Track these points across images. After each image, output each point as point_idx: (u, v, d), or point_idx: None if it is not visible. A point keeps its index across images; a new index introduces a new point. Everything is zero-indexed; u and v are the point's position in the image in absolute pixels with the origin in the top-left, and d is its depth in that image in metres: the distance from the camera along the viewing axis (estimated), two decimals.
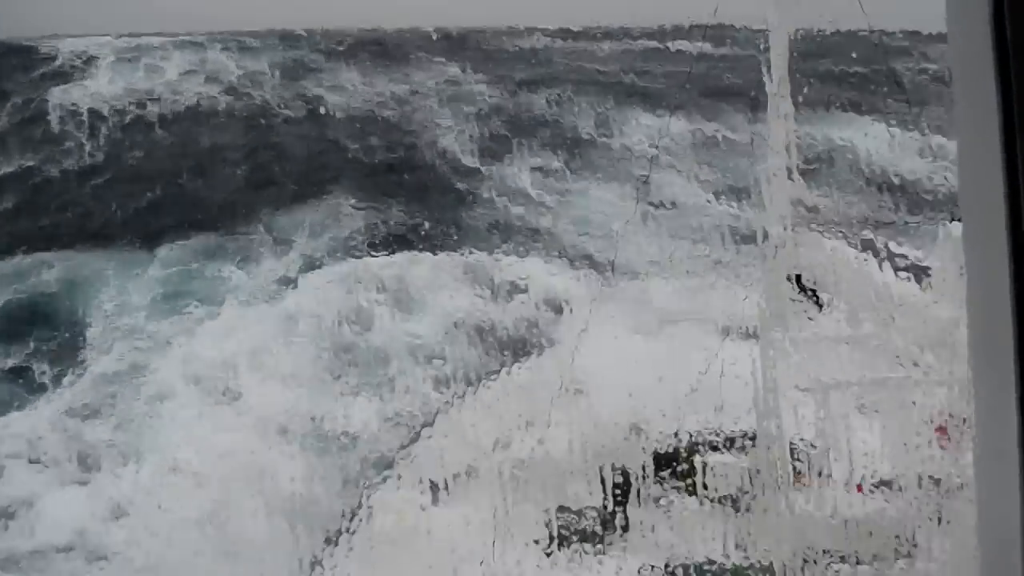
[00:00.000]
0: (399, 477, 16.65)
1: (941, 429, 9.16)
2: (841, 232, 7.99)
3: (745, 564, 10.17)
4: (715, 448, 15.00)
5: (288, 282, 25.90)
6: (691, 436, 16.81)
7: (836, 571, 5.22)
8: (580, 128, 47.42)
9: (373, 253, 28.31)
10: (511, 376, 22.69)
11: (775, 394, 11.72)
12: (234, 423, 17.82)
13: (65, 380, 20.20)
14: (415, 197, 37.75)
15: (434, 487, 17.05)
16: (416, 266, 24.15)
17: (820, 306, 9.13)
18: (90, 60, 64.49)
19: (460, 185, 40.21)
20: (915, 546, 5.55)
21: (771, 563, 9.55)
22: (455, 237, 31.78)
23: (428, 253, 28.07)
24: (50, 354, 21.90)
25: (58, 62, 63.12)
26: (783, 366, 9.27)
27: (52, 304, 25.46)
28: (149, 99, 54.79)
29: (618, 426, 20.32)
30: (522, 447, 17.35)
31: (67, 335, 23.28)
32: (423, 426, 19.26)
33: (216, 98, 56.46)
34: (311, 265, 27.64)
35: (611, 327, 26.31)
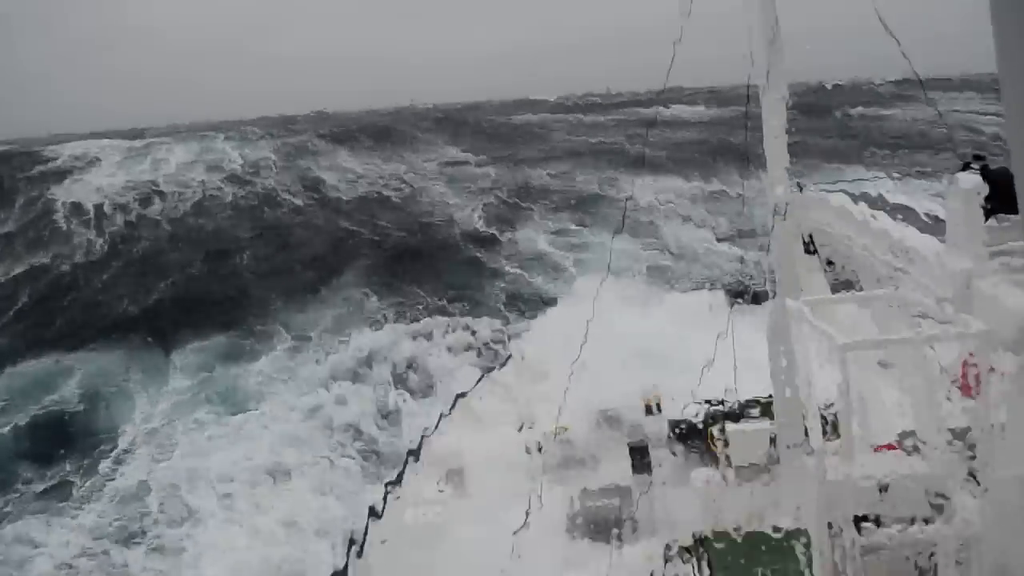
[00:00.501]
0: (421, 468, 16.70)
1: (963, 381, 9.03)
2: (845, 190, 7.86)
3: (775, 533, 10.12)
4: (735, 417, 14.93)
5: (310, 386, 25.08)
6: (710, 406, 16.77)
7: (871, 532, 5.13)
8: (586, 190, 47.77)
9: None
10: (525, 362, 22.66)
11: (791, 358, 11.61)
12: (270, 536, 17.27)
13: (94, 500, 19.77)
14: (431, 275, 37.46)
15: (455, 476, 17.08)
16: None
17: (831, 264, 9.01)
18: (93, 160, 64.57)
19: (479, 254, 39.65)
20: (947, 501, 5.46)
21: (801, 529, 9.48)
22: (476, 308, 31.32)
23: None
24: (80, 473, 21.37)
25: (59, 162, 63.35)
26: (797, 330, 9.15)
27: (78, 421, 24.81)
28: (154, 191, 54.67)
29: (634, 403, 20.26)
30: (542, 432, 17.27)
31: (94, 453, 22.60)
32: (441, 416, 19.28)
33: (221, 188, 56.38)
34: (334, 369, 26.55)
35: (621, 301, 26.30)
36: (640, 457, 15.59)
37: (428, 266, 37.63)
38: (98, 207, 49.89)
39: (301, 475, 19.28)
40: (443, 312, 31.64)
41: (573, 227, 41.39)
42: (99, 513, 18.95)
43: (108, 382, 26.88)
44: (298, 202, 51.03)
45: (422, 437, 18.32)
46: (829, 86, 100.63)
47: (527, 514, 11.28)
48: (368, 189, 54.49)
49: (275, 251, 42.16)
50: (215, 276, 38.69)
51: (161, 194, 54.02)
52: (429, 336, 28.85)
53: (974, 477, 5.42)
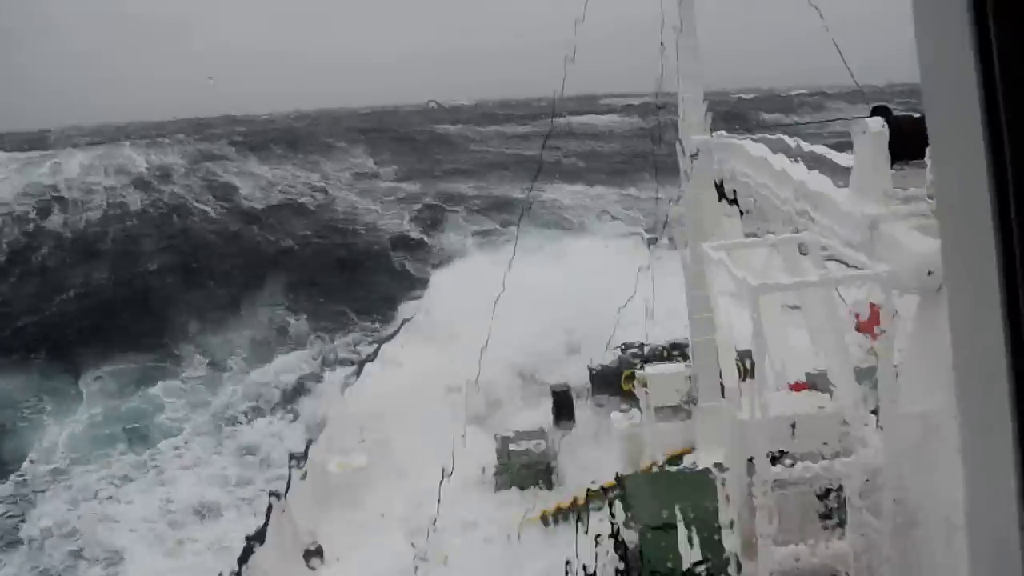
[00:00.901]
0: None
1: (866, 322, 9.40)
2: (758, 136, 8.00)
3: (692, 470, 10.45)
4: (651, 360, 15.28)
5: (229, 421, 22.57)
6: (625, 349, 17.10)
7: (781, 469, 5.34)
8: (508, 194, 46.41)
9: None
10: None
11: (705, 302, 11.89)
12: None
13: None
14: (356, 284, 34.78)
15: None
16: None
17: (742, 212, 9.19)
18: None
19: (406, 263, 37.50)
20: (851, 437, 5.70)
21: (717, 466, 9.81)
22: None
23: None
24: None
25: None
26: (712, 273, 9.34)
27: None
28: (54, 196, 50.52)
29: (554, 345, 20.49)
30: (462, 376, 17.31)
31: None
32: (365, 360, 19.23)
33: (126, 195, 52.46)
34: (250, 397, 23.95)
35: (538, 251, 26.40)
36: (562, 402, 15.87)
37: (351, 279, 35.32)
38: None
39: (233, 510, 17.75)
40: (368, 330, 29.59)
41: (499, 227, 40.32)
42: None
43: (9, 408, 24.46)
44: (210, 210, 48.33)
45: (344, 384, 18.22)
46: (748, 96, 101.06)
47: (452, 458, 11.40)
48: (282, 197, 52.29)
49: (187, 262, 39.21)
50: (123, 290, 35.99)
51: (62, 201, 50.76)
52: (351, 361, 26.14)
53: (876, 415, 5.68)
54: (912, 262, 4.72)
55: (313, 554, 12.94)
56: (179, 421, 22.96)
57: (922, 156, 5.08)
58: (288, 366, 26.20)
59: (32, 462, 21.24)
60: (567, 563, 8.29)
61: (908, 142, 5.03)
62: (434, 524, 11.48)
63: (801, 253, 6.64)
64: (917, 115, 5.27)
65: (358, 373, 18.83)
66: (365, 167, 63.03)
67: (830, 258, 6.01)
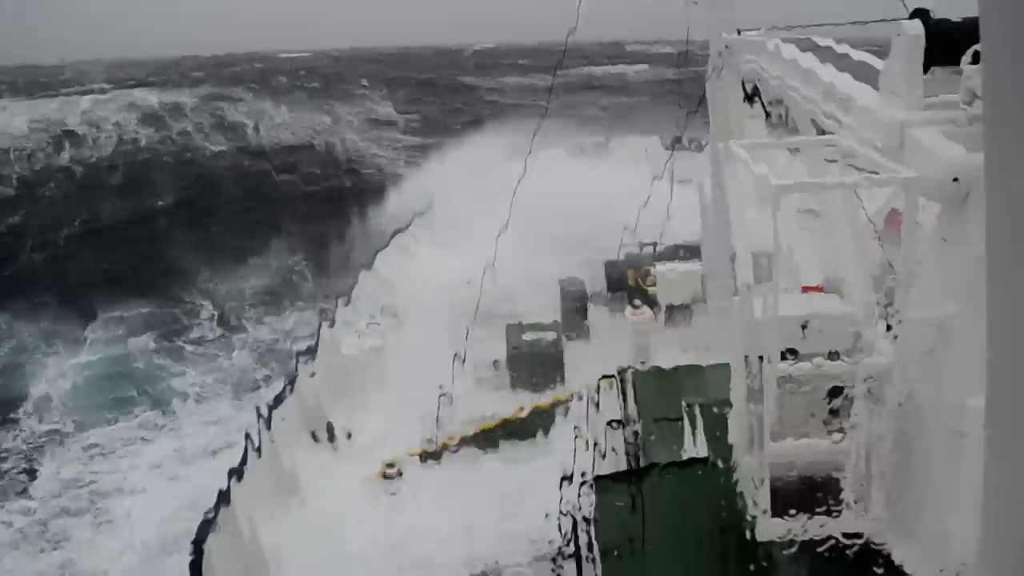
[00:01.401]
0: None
1: (888, 222, 9.41)
2: (789, 35, 7.84)
3: (700, 366, 10.66)
4: (665, 258, 15.36)
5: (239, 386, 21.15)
6: (642, 248, 17.15)
7: (790, 365, 5.47)
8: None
9: None
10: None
11: (723, 202, 11.86)
12: None
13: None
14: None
15: (391, 313, 17.35)
16: None
17: (767, 115, 9.10)
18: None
19: None
20: (861, 339, 5.83)
21: (725, 364, 10.00)
22: None
23: None
24: None
25: None
26: (731, 174, 9.31)
27: None
28: (64, 133, 48.45)
29: (570, 241, 20.54)
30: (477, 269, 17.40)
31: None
32: (376, 252, 19.34)
33: (138, 132, 50.18)
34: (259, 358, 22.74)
35: (558, 147, 26.20)
36: (574, 298, 16.03)
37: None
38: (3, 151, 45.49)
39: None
40: None
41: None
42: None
43: (22, 361, 23.50)
44: (217, 149, 46.66)
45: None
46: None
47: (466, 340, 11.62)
48: (294, 139, 50.25)
49: (199, 203, 37.88)
50: (133, 231, 34.66)
51: (73, 136, 49.46)
52: None
53: (888, 319, 5.77)
54: (939, 169, 4.72)
55: (324, 433, 13.34)
56: (190, 374, 22.36)
57: (957, 62, 5.01)
58: (301, 320, 25.48)
59: (30, 413, 20.61)
60: (575, 427, 8.56)
61: (945, 47, 4.95)
62: (446, 396, 11.77)
63: (825, 159, 6.62)
64: (957, 19, 5.17)
65: (369, 265, 18.88)
66: (383, 114, 61.37)
67: (854, 165, 5.99)
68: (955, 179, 4.67)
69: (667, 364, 13.02)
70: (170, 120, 54.97)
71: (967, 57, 4.85)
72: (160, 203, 38.81)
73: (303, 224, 33.88)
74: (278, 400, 12.97)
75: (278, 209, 36.46)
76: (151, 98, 64.49)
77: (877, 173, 5.32)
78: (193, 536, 9.64)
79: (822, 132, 6.80)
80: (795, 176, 6.35)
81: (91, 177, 43.25)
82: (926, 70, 5.13)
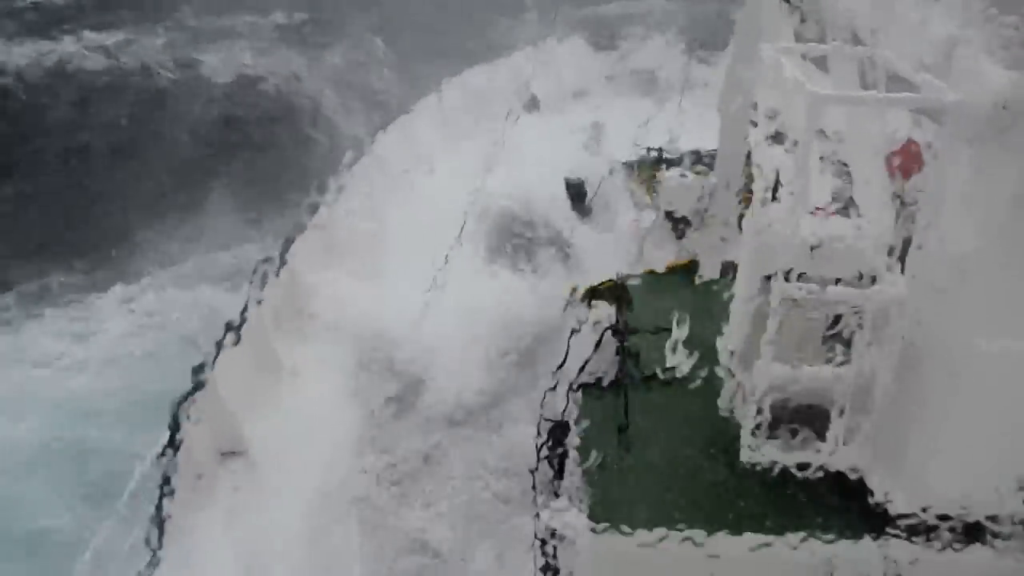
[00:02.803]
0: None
1: (901, 159, 9.03)
2: None
3: (698, 278, 10.45)
4: (673, 164, 14.95)
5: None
6: (649, 151, 16.73)
7: (799, 287, 5.25)
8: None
9: None
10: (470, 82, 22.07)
11: (742, 111, 11.40)
12: None
13: None
14: None
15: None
16: None
17: (802, 19, 8.59)
18: None
19: None
20: (875, 268, 5.58)
21: (722, 279, 9.78)
22: None
23: None
24: None
25: None
26: (753, 79, 8.84)
27: None
28: None
29: (577, 131, 20.07)
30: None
31: None
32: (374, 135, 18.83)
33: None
34: None
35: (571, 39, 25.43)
36: (577, 193, 15.78)
37: None
38: None
39: None
40: None
41: None
42: None
43: None
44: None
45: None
46: None
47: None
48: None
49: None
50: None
51: None
52: None
53: (903, 251, 5.52)
54: (987, 93, 4.38)
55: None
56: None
57: None
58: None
59: None
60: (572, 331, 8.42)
61: None
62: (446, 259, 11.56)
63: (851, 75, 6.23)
64: None
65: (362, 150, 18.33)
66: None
67: (894, 79, 5.62)
68: (1004, 107, 4.34)
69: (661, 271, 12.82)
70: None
71: None
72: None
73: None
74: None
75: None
76: None
77: (917, 92, 4.98)
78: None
79: (857, 41, 6.39)
80: (822, 87, 5.97)
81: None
82: None
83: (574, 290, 12.42)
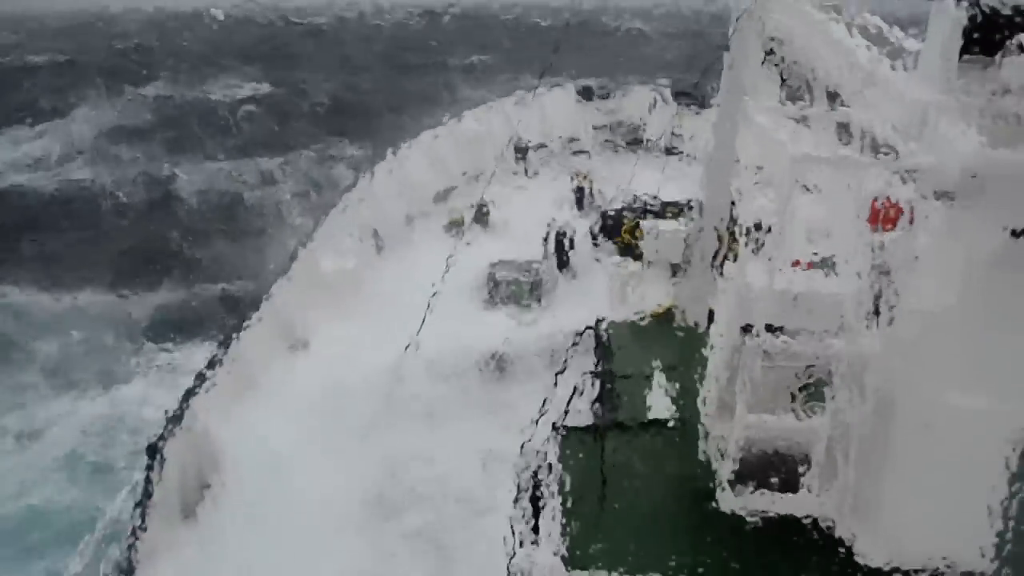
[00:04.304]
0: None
1: (880, 214, 9.23)
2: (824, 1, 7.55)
3: (679, 325, 10.59)
4: (659, 215, 15.17)
5: None
6: (635, 200, 16.97)
7: (777, 339, 5.37)
8: None
9: None
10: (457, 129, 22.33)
11: (725, 163, 11.64)
12: None
13: None
14: None
15: (375, 233, 17.12)
16: None
17: (783, 79, 8.84)
18: None
19: None
20: (849, 323, 5.72)
21: (700, 326, 9.91)
22: None
23: None
24: None
25: None
26: (740, 136, 9.06)
27: None
28: None
29: (562, 189, 20.36)
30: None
31: None
32: (363, 174, 19.00)
33: None
34: None
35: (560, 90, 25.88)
36: (560, 243, 15.84)
37: None
38: None
39: None
40: None
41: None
42: None
43: None
44: None
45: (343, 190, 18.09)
46: None
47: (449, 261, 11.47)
48: None
49: None
50: None
51: None
52: None
53: (877, 305, 5.66)
54: (958, 159, 4.56)
55: (298, 345, 13.19)
56: None
57: (990, 52, 4.81)
58: None
59: None
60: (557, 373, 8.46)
61: (989, 34, 4.74)
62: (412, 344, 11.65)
63: (830, 132, 6.42)
64: (1001, 8, 4.94)
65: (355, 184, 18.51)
66: None
67: (871, 138, 5.81)
68: (973, 175, 4.52)
69: (644, 317, 12.91)
70: None
71: (1005, 50, 4.66)
72: None
73: None
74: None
75: None
76: None
77: (891, 154, 5.16)
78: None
79: (838, 102, 6.60)
80: (804, 146, 6.17)
81: None
82: (962, 56, 4.92)
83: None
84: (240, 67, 67.56)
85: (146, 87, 59.21)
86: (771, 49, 9.00)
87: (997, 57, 4.76)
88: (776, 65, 8.87)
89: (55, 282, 22.39)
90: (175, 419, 9.94)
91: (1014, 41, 4.56)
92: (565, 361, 11.05)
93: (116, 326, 20.25)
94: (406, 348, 11.70)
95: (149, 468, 9.19)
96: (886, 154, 5.48)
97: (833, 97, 6.89)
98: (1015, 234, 4.45)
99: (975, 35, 4.87)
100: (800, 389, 6.06)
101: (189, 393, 10.56)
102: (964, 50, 4.92)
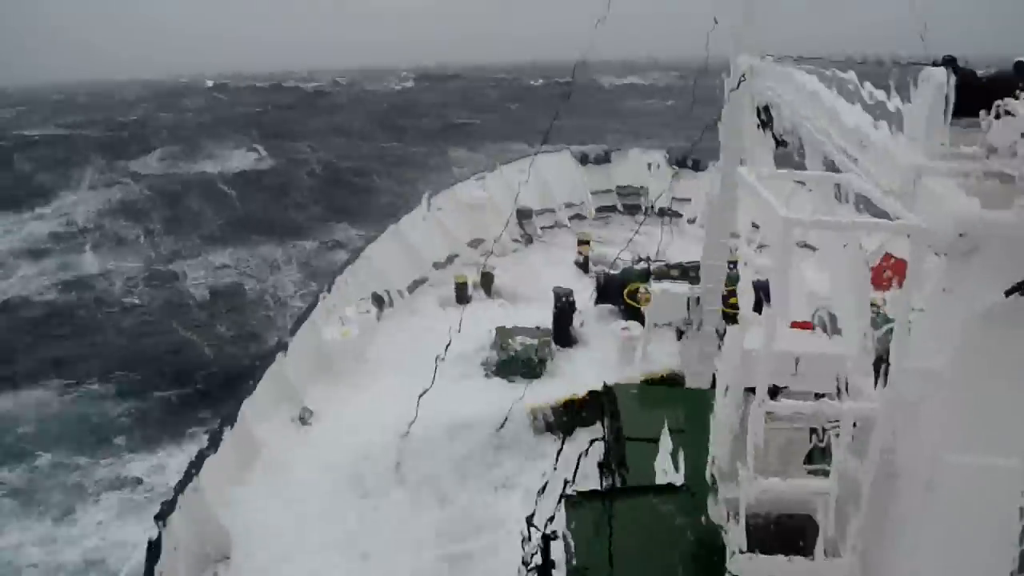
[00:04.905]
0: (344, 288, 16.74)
1: (884, 269, 9.32)
2: (813, 67, 7.75)
3: (685, 388, 10.59)
4: (662, 277, 15.29)
5: None
6: (636, 261, 17.07)
7: (780, 402, 5.39)
8: None
9: None
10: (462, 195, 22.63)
11: (725, 226, 11.80)
12: None
13: None
14: None
15: (378, 300, 17.22)
16: None
17: (782, 143, 9.01)
18: None
19: None
20: (851, 383, 5.74)
21: (707, 390, 9.92)
22: None
23: None
24: None
25: None
26: (737, 199, 9.19)
27: None
28: None
29: (565, 253, 20.58)
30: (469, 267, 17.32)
31: None
32: (368, 242, 19.23)
33: None
34: None
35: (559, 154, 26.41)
36: (563, 305, 15.89)
37: None
38: None
39: None
40: None
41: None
42: None
43: None
44: None
45: (344, 263, 18.26)
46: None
47: (450, 337, 11.52)
48: None
49: None
50: None
51: None
52: None
53: (878, 365, 5.70)
54: (948, 221, 4.65)
55: (302, 417, 13.21)
56: None
57: (976, 115, 4.94)
58: None
59: None
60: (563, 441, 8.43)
61: (969, 99, 4.87)
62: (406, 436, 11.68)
63: (830, 194, 6.53)
64: (983, 73, 5.09)
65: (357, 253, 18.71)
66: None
67: (857, 205, 5.93)
68: (964, 234, 4.60)
69: (651, 381, 12.93)
70: None
71: (990, 111, 4.78)
72: None
73: None
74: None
75: None
76: None
77: (887, 216, 5.25)
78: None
79: (833, 167, 6.73)
80: (800, 208, 6.28)
81: None
82: (949, 119, 5.05)
83: (534, 412, 12.61)
84: (235, 136, 69.00)
85: (142, 161, 60.14)
86: (764, 114, 9.20)
87: (982, 119, 4.87)
88: (770, 129, 9.05)
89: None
90: (174, 499, 9.89)
91: (997, 104, 4.69)
92: (572, 426, 11.08)
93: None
94: (410, 424, 11.71)
95: (151, 552, 9.10)
96: (883, 217, 5.57)
97: (828, 160, 7.03)
98: (1007, 293, 4.50)
99: (961, 99, 5.00)
100: (809, 451, 6.07)
101: (191, 470, 10.54)
102: (952, 113, 5.05)
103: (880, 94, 5.75)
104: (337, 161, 54.39)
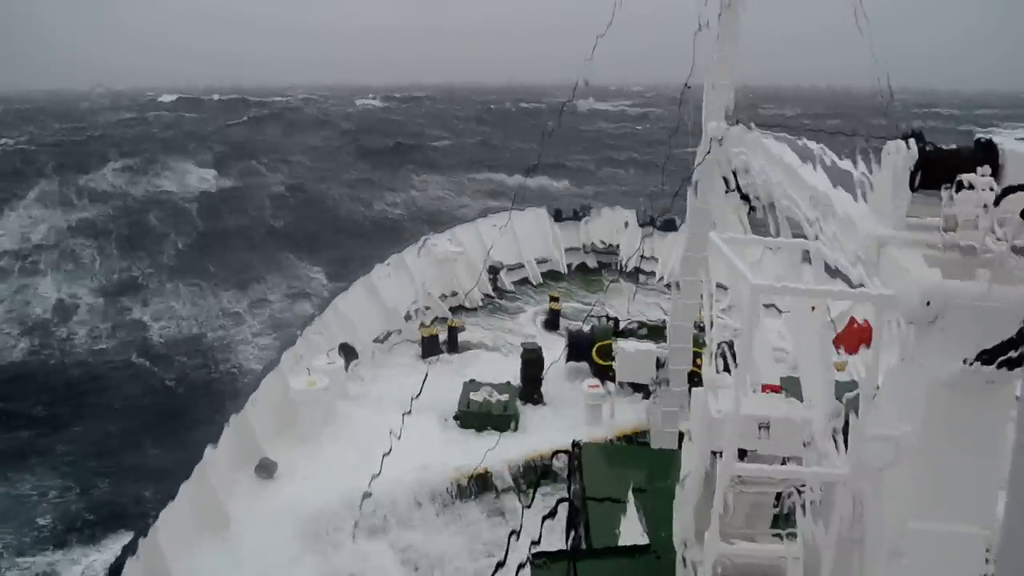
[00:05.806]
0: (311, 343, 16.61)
1: (845, 337, 9.45)
2: (783, 136, 7.96)
3: (651, 448, 10.58)
4: (631, 335, 15.37)
5: None
6: (607, 321, 17.14)
7: (746, 465, 5.42)
8: None
9: None
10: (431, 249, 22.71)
11: (694, 288, 11.92)
12: None
13: None
14: None
15: (347, 352, 17.11)
16: None
17: (750, 209, 9.19)
18: None
19: None
20: (816, 448, 5.79)
21: (673, 450, 9.91)
22: None
23: None
24: None
25: None
26: (706, 262, 9.30)
27: None
28: None
29: (535, 310, 20.59)
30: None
31: None
32: (335, 295, 19.17)
33: None
34: None
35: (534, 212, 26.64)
36: (532, 364, 15.83)
37: None
38: None
39: None
40: None
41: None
42: None
43: None
44: None
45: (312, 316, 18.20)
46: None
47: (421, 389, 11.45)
48: None
49: None
50: None
51: None
52: None
53: (845, 430, 5.76)
54: (912, 289, 4.75)
55: (265, 469, 12.97)
56: None
57: (938, 187, 5.09)
58: None
59: None
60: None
61: (932, 172, 5.02)
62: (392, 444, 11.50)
63: (799, 259, 6.66)
64: (946, 147, 5.26)
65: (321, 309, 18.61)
66: None
67: (831, 269, 6.04)
68: (928, 303, 4.70)
69: (617, 439, 12.90)
70: None
71: (950, 185, 4.92)
72: None
73: None
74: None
75: None
76: None
77: (852, 283, 5.36)
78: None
79: (801, 231, 6.87)
80: (768, 271, 6.38)
81: None
82: (913, 191, 5.19)
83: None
84: (198, 153, 68.12)
85: (98, 174, 58.70)
86: (734, 179, 9.38)
87: (943, 192, 5.01)
88: (740, 194, 9.23)
89: None
90: (130, 554, 9.63)
91: (959, 180, 4.83)
92: (537, 483, 11.00)
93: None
94: (373, 477, 11.56)
95: None
96: (851, 284, 5.68)
97: (796, 226, 7.18)
98: (966, 362, 4.59)
99: (924, 172, 5.15)
100: (775, 514, 6.08)
101: (147, 525, 10.29)
102: (915, 185, 5.20)
103: (847, 164, 5.91)
104: (299, 181, 54.04)
